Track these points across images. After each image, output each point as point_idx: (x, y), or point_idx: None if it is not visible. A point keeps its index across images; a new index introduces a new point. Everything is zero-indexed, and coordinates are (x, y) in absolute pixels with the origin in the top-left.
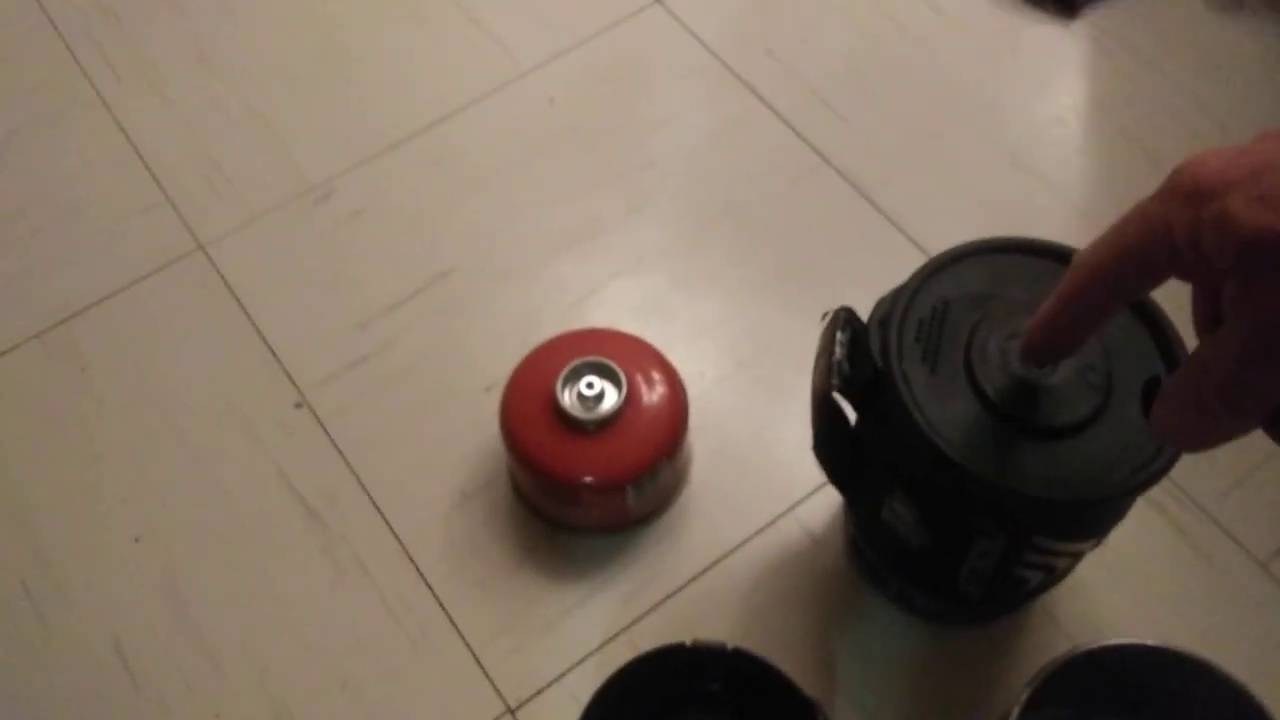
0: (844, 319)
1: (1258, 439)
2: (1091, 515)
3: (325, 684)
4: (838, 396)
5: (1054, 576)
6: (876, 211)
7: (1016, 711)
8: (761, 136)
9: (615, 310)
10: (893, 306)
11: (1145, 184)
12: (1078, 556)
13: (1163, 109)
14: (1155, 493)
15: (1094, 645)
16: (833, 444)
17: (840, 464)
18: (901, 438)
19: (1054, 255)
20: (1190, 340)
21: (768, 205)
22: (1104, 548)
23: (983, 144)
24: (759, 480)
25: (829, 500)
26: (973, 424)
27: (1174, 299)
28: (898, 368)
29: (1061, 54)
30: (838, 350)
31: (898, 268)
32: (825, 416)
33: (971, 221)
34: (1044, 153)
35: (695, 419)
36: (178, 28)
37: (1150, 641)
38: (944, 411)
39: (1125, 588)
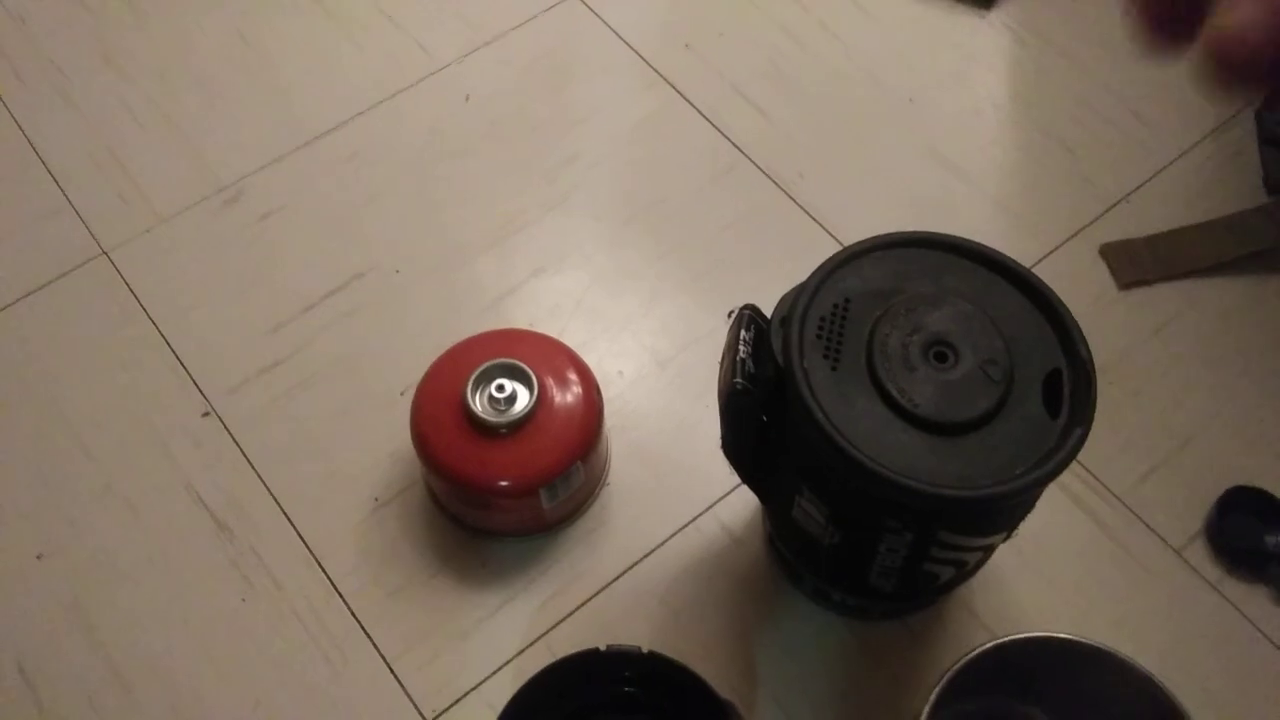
0: (748, 317)
1: (1170, 423)
2: (997, 510)
3: (238, 701)
4: (744, 395)
5: (965, 570)
6: (796, 206)
7: (927, 709)
8: (682, 132)
9: (534, 310)
10: (794, 304)
11: (1062, 174)
12: (989, 550)
13: (1078, 100)
14: (1070, 481)
15: (1005, 639)
16: (741, 443)
17: (750, 462)
18: (805, 436)
19: (956, 249)
20: (1091, 334)
21: (688, 201)
22: (1020, 537)
23: (901, 137)
24: (678, 479)
25: (748, 499)
26: (875, 421)
27: (1074, 293)
28: (799, 365)
29: (978, 45)
30: (742, 349)
31: (816, 260)
32: (732, 415)
33: (890, 214)
34: (961, 144)
35: (613, 419)
36: (84, 27)
37: (1062, 634)
38: (846, 409)
39: (1042, 577)
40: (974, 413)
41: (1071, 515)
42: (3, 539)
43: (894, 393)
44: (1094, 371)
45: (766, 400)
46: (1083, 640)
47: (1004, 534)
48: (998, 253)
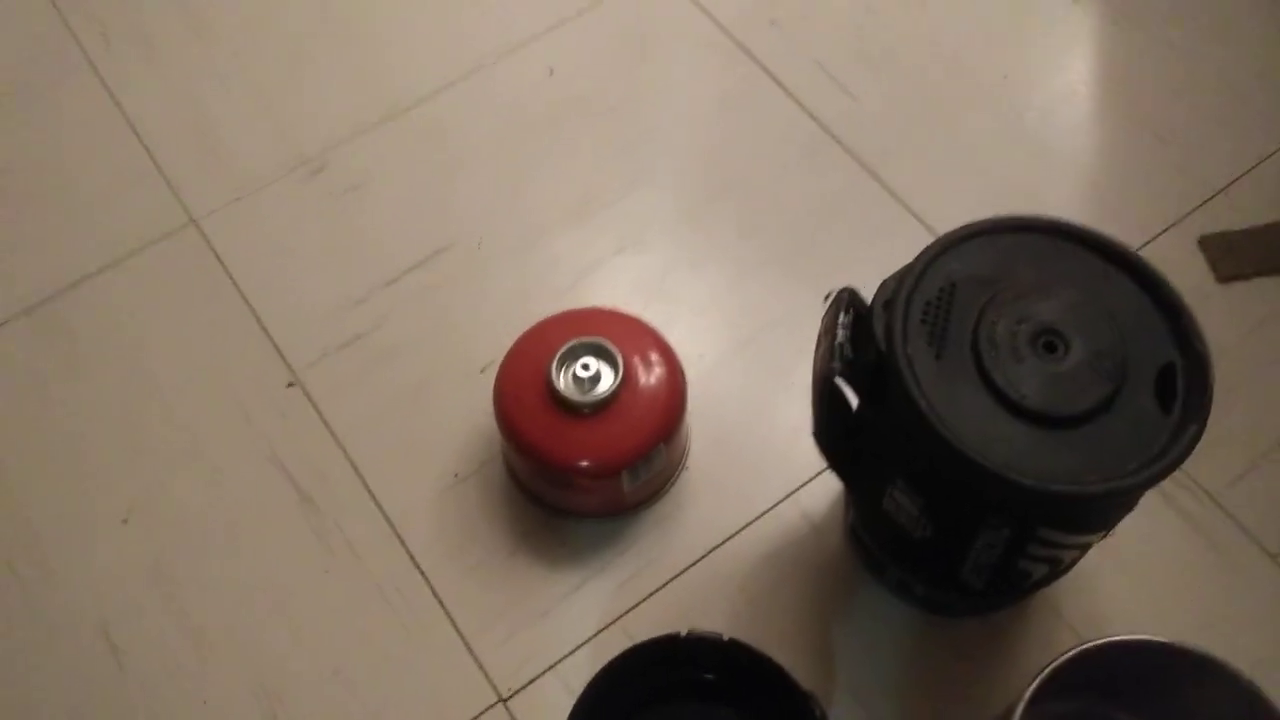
0: (847, 300)
1: (1266, 423)
2: (1100, 508)
3: (316, 671)
4: (840, 381)
5: (1059, 569)
6: (882, 188)
7: (1021, 707)
8: (765, 110)
9: (614, 288)
10: (898, 288)
11: (1158, 162)
12: (1084, 548)
13: (1173, 85)
14: (1166, 485)
15: (1101, 640)
16: (834, 430)
17: (841, 451)
18: (905, 425)
19: (1064, 234)
20: (1204, 319)
21: (771, 181)
22: (1113, 539)
23: (991, 119)
24: (758, 465)
25: (829, 486)
26: (980, 412)
27: (1187, 275)
28: (902, 352)
29: (1071, 27)
30: (840, 333)
31: (903, 246)
32: (826, 402)
33: (979, 198)
34: (1053, 129)
35: (694, 402)
36: None
37: (1158, 638)
38: (950, 398)
39: (1130, 579)
40: (1083, 406)
41: (1162, 514)
42: (90, 502)
43: (1000, 383)
44: (1210, 367)
45: (863, 387)
46: (1185, 646)
47: (1103, 533)
48: (1110, 238)
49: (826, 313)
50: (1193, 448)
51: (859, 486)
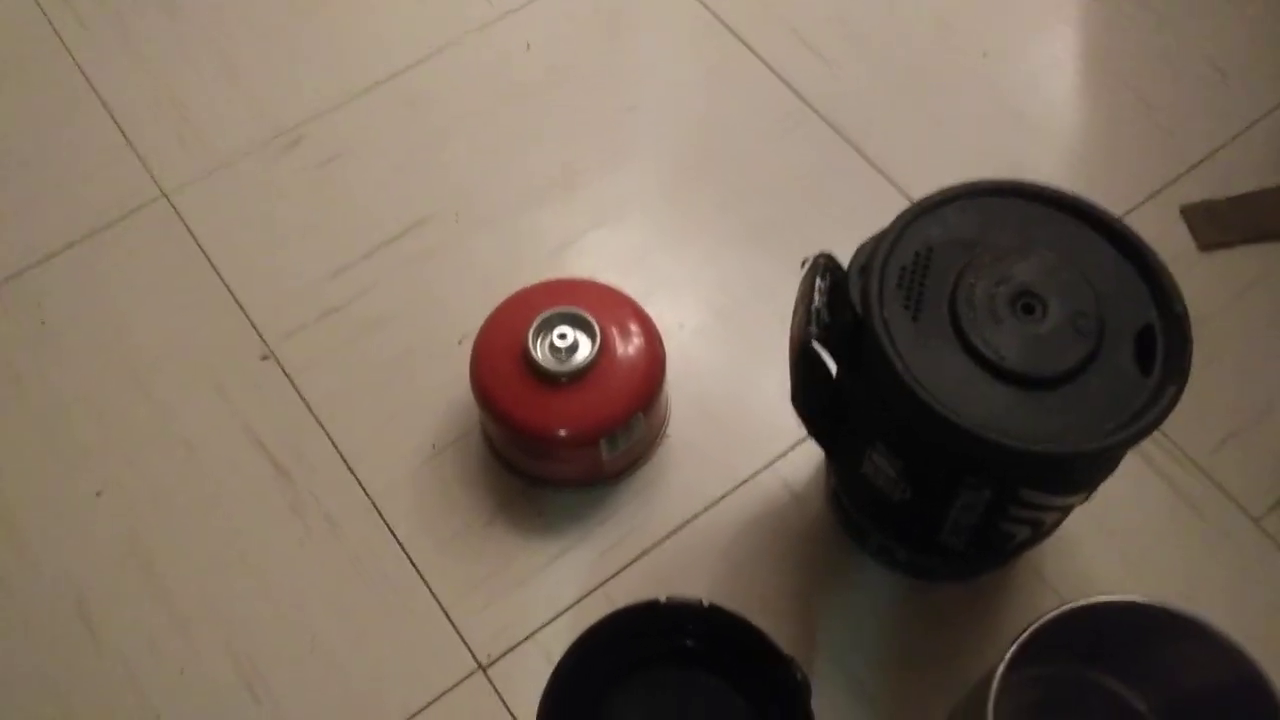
0: (824, 265)
1: (1250, 389)
2: (1081, 468)
3: (294, 643)
4: (818, 346)
5: (1041, 531)
6: (863, 159)
7: (1001, 667)
8: (745, 83)
9: (594, 261)
10: (874, 252)
11: (1141, 131)
12: (1066, 510)
13: (1159, 54)
14: (1144, 444)
15: (1083, 602)
16: (812, 395)
17: (820, 416)
18: (883, 388)
19: (1044, 199)
20: (1186, 287)
21: (751, 153)
22: (1096, 502)
23: (973, 89)
24: (738, 434)
25: (810, 455)
26: (957, 373)
27: (1169, 243)
28: (879, 315)
29: None
30: (817, 298)
31: (884, 217)
32: (804, 367)
33: (961, 168)
34: (1037, 99)
35: (673, 371)
36: None
37: (1140, 598)
38: (927, 360)
39: (1113, 541)
40: (1062, 367)
41: (1145, 479)
42: (63, 476)
43: (979, 344)
44: (1189, 327)
45: (840, 351)
46: (1170, 606)
47: (1084, 494)
48: (1088, 202)
49: (804, 278)
50: (1171, 408)
51: (838, 451)
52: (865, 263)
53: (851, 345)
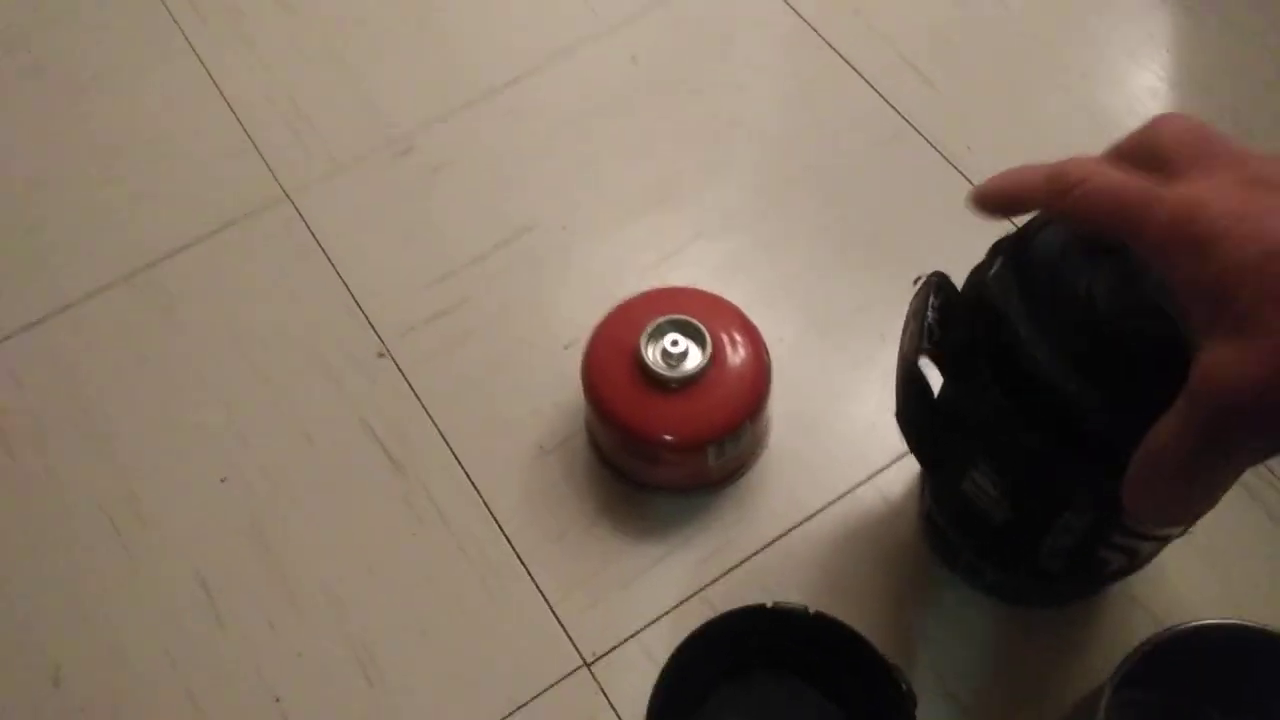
0: (936, 283)
1: None
2: None
3: (405, 629)
4: (926, 363)
5: (1136, 561)
6: (962, 178)
7: (1108, 693)
8: (845, 99)
9: (695, 271)
10: (1016, 244)
11: None
12: (1164, 541)
13: (1257, 82)
14: (1245, 475)
15: (1190, 624)
16: (917, 412)
17: (924, 432)
18: (999, 403)
19: None
20: None
21: (851, 169)
22: (1195, 533)
23: (1073, 113)
24: (837, 448)
25: (907, 472)
26: None
27: None
28: (1016, 308)
29: (1155, 23)
30: (930, 314)
31: (982, 237)
32: (912, 383)
33: None
34: (1135, 123)
35: (774, 383)
36: None
37: (1250, 621)
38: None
39: (1210, 570)
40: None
41: (1244, 506)
42: (189, 463)
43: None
44: None
45: (951, 368)
46: (1271, 630)
47: (1183, 527)
48: None
49: (917, 295)
50: None
51: (939, 469)
52: (1007, 249)
53: (964, 360)
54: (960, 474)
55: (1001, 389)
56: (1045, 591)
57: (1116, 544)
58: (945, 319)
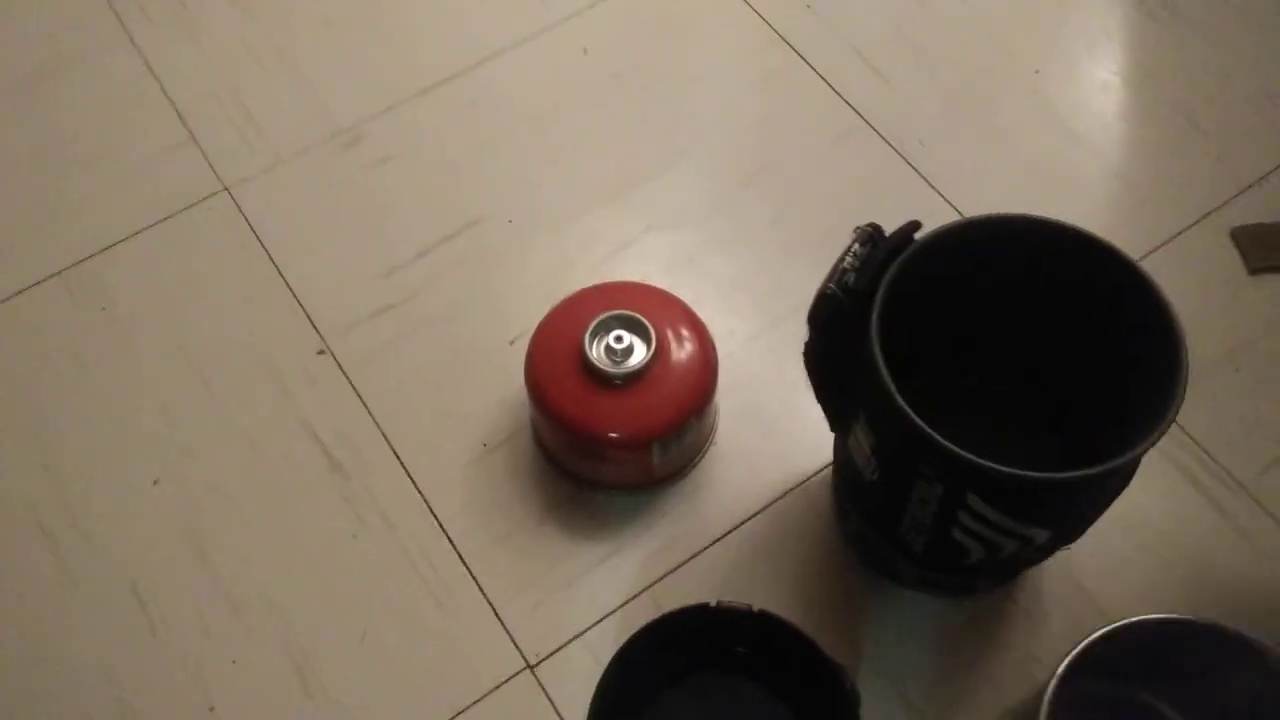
0: (867, 234)
1: None
2: (1026, 494)
3: (345, 634)
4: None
5: (1000, 557)
6: (916, 174)
7: (1053, 684)
8: (800, 94)
9: (647, 265)
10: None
11: (1193, 153)
12: (1027, 542)
13: (1212, 76)
14: (1190, 464)
15: (1134, 619)
16: (821, 350)
17: (825, 375)
18: (865, 357)
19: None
20: (1218, 318)
21: (805, 164)
22: (1135, 518)
23: (1026, 107)
24: (787, 441)
25: None
26: None
27: (1202, 275)
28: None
29: (1108, 18)
30: (848, 259)
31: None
32: (819, 320)
33: (1013, 186)
34: (1088, 118)
35: (723, 377)
36: None
37: (1194, 616)
38: None
39: (1158, 561)
40: None
41: (1190, 499)
42: (121, 464)
43: None
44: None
45: (852, 318)
46: (1222, 625)
47: (1048, 532)
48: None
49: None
50: (1133, 469)
51: (835, 419)
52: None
53: (862, 313)
54: (848, 430)
55: (881, 343)
56: (915, 570)
57: (969, 528)
58: (863, 268)
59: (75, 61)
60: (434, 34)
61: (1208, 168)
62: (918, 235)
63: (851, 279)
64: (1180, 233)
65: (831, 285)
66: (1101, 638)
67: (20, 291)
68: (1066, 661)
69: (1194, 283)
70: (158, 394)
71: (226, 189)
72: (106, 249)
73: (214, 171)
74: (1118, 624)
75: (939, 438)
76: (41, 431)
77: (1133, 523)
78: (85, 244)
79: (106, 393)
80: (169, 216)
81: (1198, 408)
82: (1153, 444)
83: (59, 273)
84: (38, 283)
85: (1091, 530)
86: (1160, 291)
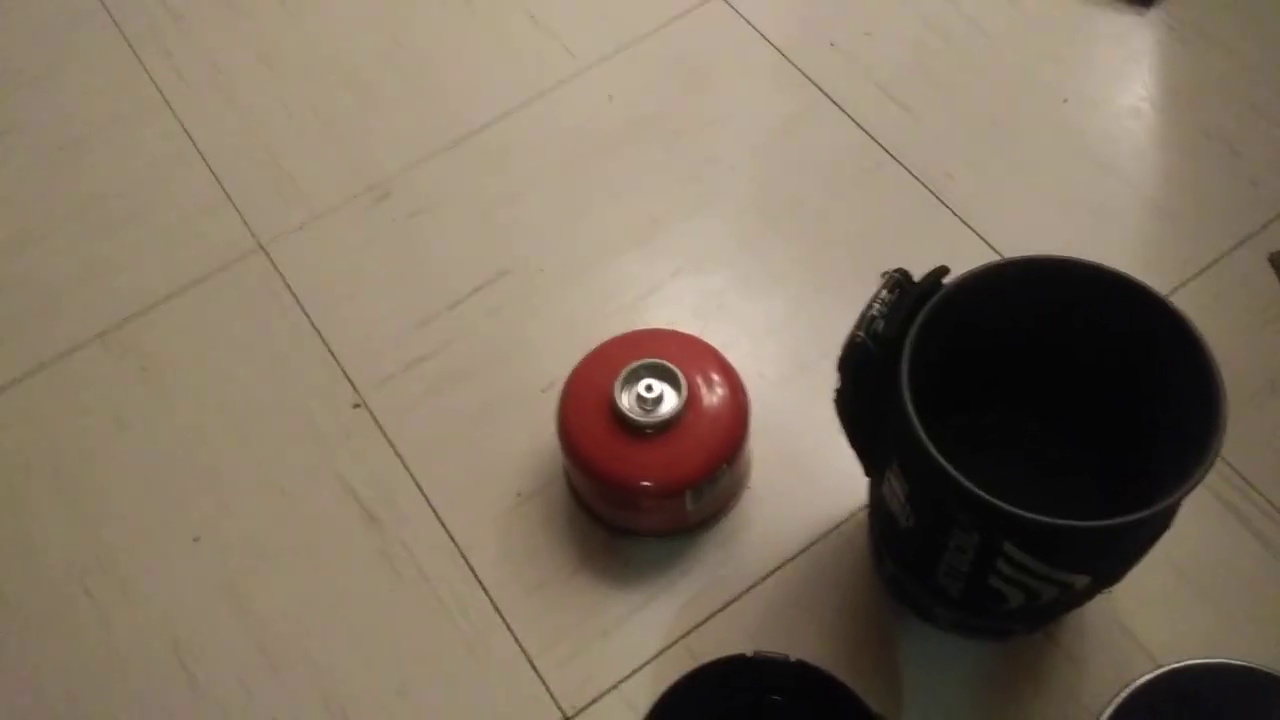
0: (895, 280)
1: None
2: (1061, 541)
3: (383, 688)
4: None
5: (1039, 603)
6: (945, 208)
7: None
8: (825, 132)
9: (676, 310)
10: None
11: (1227, 178)
12: (1066, 588)
13: (1244, 100)
14: (1237, 501)
15: (1181, 663)
16: (851, 400)
17: (856, 423)
18: (896, 405)
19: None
20: (1257, 347)
21: (832, 202)
22: (1183, 559)
23: (1055, 137)
24: (821, 485)
25: None
26: None
27: (1238, 303)
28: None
29: (1137, 44)
30: (876, 306)
31: (967, 266)
32: (849, 367)
33: (1044, 218)
34: (1119, 146)
35: (755, 421)
36: (240, 28)
37: (1243, 660)
38: None
39: (1206, 601)
40: None
41: (1238, 537)
42: (162, 521)
43: None
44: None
45: (885, 363)
46: (1271, 670)
47: (1087, 577)
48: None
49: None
50: (1175, 510)
51: (870, 466)
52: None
53: (891, 360)
54: (882, 476)
55: (911, 393)
56: (954, 616)
57: (1007, 576)
58: (892, 314)
59: (111, 124)
60: (462, 87)
61: (1243, 192)
62: (946, 279)
63: (880, 326)
64: (1217, 260)
65: (860, 333)
66: (1147, 683)
67: (62, 355)
68: (1113, 707)
69: (1233, 309)
70: (196, 452)
71: (262, 247)
72: (145, 310)
73: (249, 229)
74: (1164, 669)
75: (975, 489)
76: (83, 491)
77: (1176, 560)
78: (124, 305)
79: (146, 451)
80: (206, 276)
81: (1240, 438)
82: (1192, 488)
83: (100, 335)
84: (78, 347)
85: (1134, 569)
86: (1196, 332)
